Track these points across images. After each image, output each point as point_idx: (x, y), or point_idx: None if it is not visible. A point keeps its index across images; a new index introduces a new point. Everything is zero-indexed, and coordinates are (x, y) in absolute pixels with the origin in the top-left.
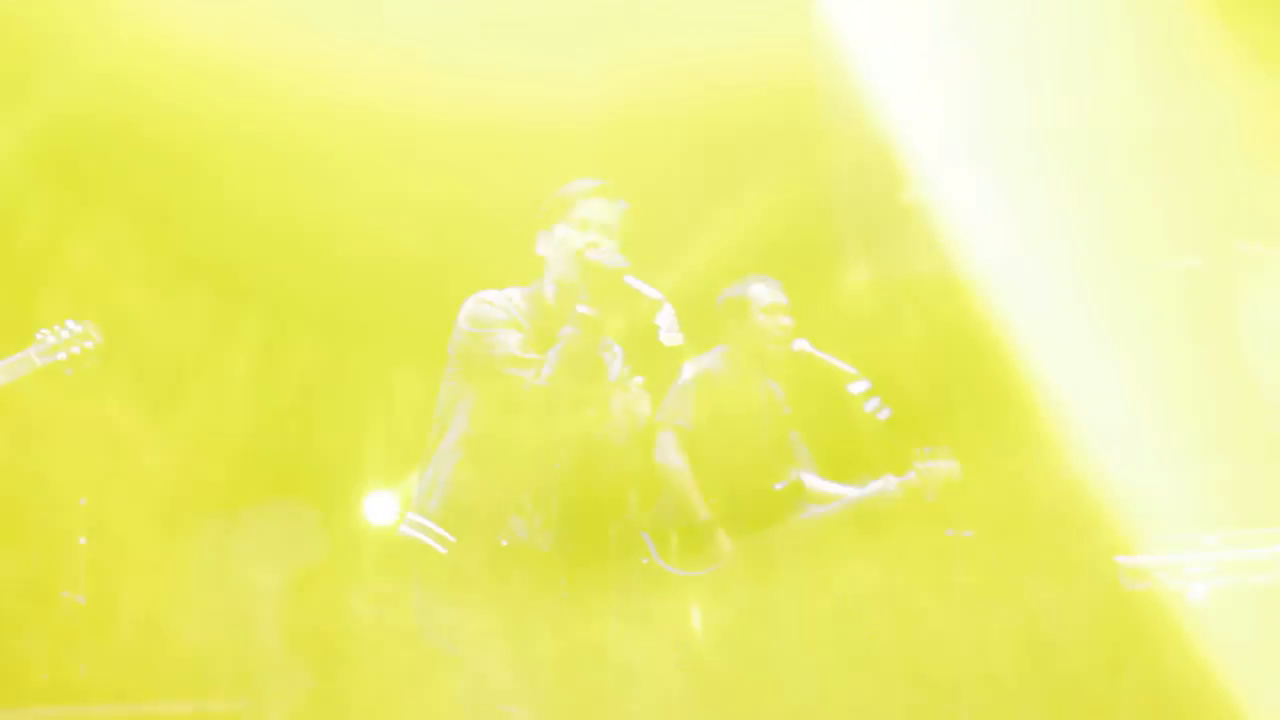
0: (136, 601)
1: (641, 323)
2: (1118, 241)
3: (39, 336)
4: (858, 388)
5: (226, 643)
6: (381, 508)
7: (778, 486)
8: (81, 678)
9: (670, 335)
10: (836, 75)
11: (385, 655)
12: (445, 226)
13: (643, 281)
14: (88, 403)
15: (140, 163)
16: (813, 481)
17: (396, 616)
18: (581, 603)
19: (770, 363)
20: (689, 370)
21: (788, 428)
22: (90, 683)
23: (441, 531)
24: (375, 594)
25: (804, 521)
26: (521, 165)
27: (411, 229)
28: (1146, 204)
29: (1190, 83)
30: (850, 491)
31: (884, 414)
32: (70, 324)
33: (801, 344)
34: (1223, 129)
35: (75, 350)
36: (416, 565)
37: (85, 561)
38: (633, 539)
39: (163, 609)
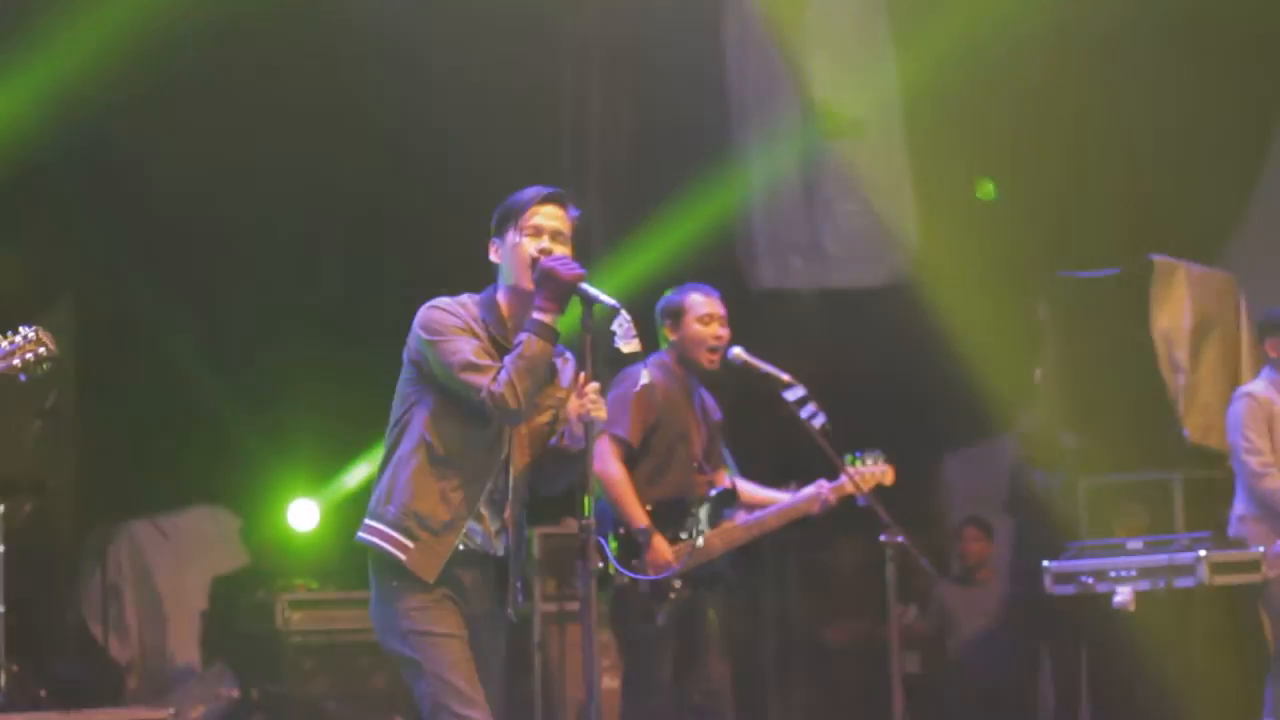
0: (58, 609)
1: (597, 329)
2: (1037, 251)
3: None
4: (793, 394)
5: (150, 650)
6: (304, 515)
7: (712, 493)
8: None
9: (627, 341)
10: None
11: (313, 661)
12: (375, 235)
13: (598, 289)
14: (8, 407)
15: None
16: (746, 487)
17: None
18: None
19: (704, 370)
20: (626, 377)
21: (720, 434)
22: (11, 691)
23: (398, 536)
24: (300, 600)
25: (739, 527)
26: (458, 175)
27: (342, 237)
28: (1065, 214)
29: (1111, 97)
30: (783, 497)
31: (819, 420)
32: (23, 329)
33: (737, 351)
34: (1142, 144)
35: (29, 356)
36: (374, 570)
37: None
38: (587, 544)
39: (85, 616)
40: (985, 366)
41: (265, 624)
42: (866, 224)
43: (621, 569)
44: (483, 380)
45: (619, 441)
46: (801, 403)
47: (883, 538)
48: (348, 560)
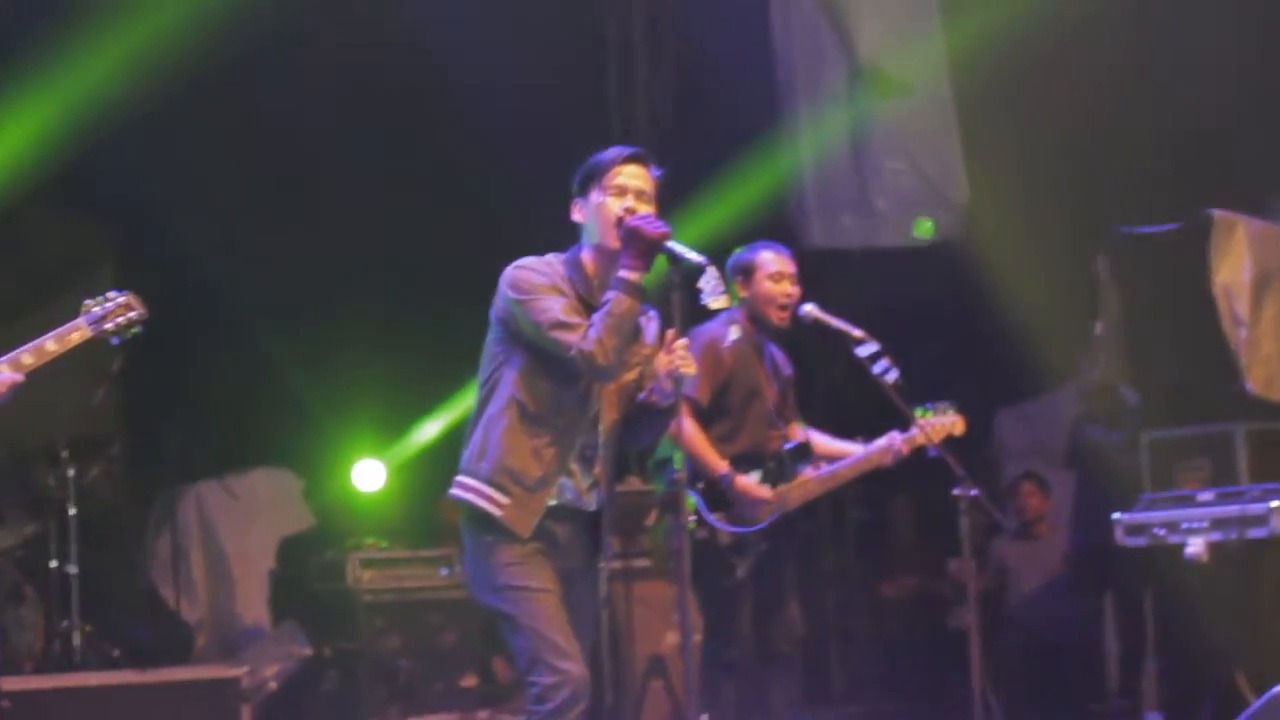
0: (128, 570)
1: (684, 286)
2: (1093, 206)
3: (85, 305)
4: (865, 350)
5: (217, 609)
6: (371, 475)
7: (786, 447)
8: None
9: (715, 298)
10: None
11: (384, 619)
12: (437, 196)
13: (683, 246)
14: (76, 371)
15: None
16: (819, 439)
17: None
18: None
19: (774, 327)
20: (694, 336)
21: (792, 389)
22: (86, 651)
23: (493, 493)
24: (371, 558)
25: (814, 480)
26: (513, 140)
27: (405, 198)
28: (1125, 169)
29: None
30: (856, 449)
31: (892, 375)
32: (112, 294)
33: (809, 308)
34: (1196, 96)
35: (120, 320)
36: (467, 526)
37: (76, 532)
38: (679, 497)
39: (153, 577)
40: (1041, 322)
41: (337, 583)
42: (915, 182)
43: (710, 520)
44: (572, 338)
45: (686, 400)
46: (874, 358)
47: (955, 491)
48: (414, 519)
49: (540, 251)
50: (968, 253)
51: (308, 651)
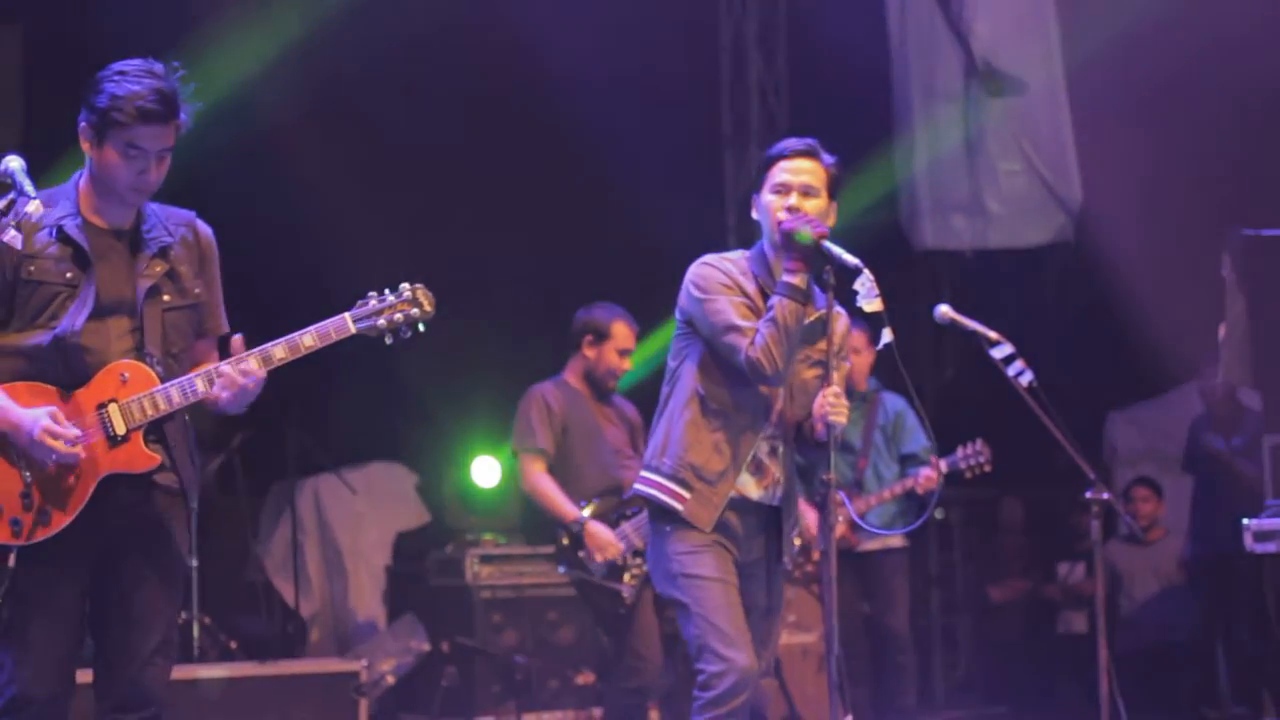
0: (245, 565)
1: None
2: (1219, 208)
3: (369, 296)
4: (999, 352)
5: (333, 603)
6: (487, 472)
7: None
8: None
9: (869, 300)
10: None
11: (501, 614)
12: (556, 197)
13: (841, 248)
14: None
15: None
16: None
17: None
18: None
19: (606, 392)
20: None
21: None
22: (204, 643)
23: (675, 488)
24: (489, 554)
25: None
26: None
27: (524, 202)
28: (1251, 169)
29: None
30: None
31: (1026, 377)
32: (404, 285)
33: (944, 309)
34: None
35: (397, 316)
36: (650, 518)
37: (194, 527)
38: (828, 499)
39: (270, 570)
40: (1157, 324)
41: (455, 578)
42: (1029, 183)
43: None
44: (742, 342)
45: (539, 453)
46: (1009, 360)
47: (1088, 494)
48: (530, 516)
49: (654, 251)
50: (1081, 254)
51: (426, 647)
